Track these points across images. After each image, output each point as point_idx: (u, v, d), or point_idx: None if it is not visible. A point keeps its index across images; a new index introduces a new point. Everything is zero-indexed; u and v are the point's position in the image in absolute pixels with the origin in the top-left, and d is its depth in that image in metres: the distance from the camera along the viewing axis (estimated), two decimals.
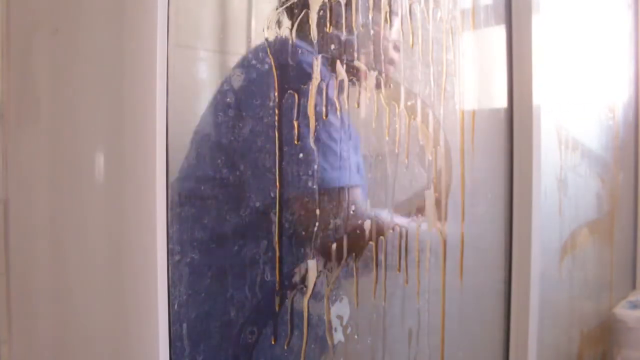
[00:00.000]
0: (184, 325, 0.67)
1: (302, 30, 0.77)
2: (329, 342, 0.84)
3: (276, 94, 0.75)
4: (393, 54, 0.92)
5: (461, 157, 1.11)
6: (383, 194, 0.94)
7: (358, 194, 0.84)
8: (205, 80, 0.74)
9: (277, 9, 0.75)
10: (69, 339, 0.60)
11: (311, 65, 0.77)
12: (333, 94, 0.81)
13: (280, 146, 0.76)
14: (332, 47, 0.82)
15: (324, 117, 0.79)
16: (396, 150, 0.94)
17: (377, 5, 0.89)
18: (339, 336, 0.86)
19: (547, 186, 1.38)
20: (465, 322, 1.15)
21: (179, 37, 0.65)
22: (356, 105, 0.86)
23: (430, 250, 1.03)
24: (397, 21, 0.93)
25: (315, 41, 0.79)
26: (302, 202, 0.77)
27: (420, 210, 1.01)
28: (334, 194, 0.81)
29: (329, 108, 0.79)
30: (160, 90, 0.58)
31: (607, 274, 1.97)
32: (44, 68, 0.61)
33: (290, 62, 0.75)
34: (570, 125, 1.59)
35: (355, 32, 0.85)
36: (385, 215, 0.90)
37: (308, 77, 0.77)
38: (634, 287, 2.20)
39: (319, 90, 0.79)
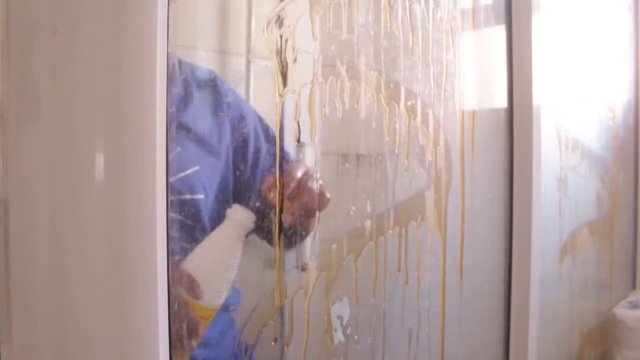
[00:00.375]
0: (184, 325, 0.67)
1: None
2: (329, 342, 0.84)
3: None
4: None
5: (461, 157, 1.12)
6: (383, 194, 0.94)
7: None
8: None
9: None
10: (69, 339, 0.60)
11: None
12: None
13: (280, 146, 0.76)
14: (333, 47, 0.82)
15: None
16: (396, 151, 0.94)
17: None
18: (338, 336, 0.86)
19: (547, 186, 1.38)
20: (465, 322, 1.15)
21: (178, 37, 0.65)
22: (356, 105, 0.86)
23: (430, 251, 1.03)
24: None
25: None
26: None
27: (420, 211, 1.01)
28: None
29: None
30: (160, 90, 0.58)
31: (607, 274, 1.97)
32: (44, 68, 0.61)
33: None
34: (571, 126, 1.59)
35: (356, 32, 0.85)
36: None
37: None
38: (634, 287, 2.20)
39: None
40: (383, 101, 0.91)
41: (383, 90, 0.91)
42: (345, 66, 0.84)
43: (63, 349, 0.61)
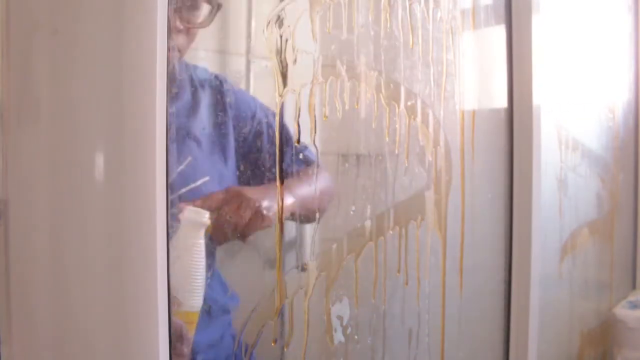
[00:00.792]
0: (184, 325, 0.67)
1: None
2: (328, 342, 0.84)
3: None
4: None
5: (461, 157, 1.11)
6: (383, 194, 0.94)
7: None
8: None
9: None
10: (69, 339, 0.60)
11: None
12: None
13: (280, 146, 0.76)
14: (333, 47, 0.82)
15: None
16: (396, 151, 0.94)
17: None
18: (338, 336, 0.86)
19: (547, 186, 1.38)
20: (465, 322, 1.15)
21: None
22: (356, 105, 0.86)
23: (430, 251, 1.03)
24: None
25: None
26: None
27: (420, 211, 1.01)
28: None
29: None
30: (160, 90, 0.58)
31: (607, 274, 1.97)
32: (44, 68, 0.61)
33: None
34: (571, 126, 1.59)
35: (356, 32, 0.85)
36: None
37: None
38: (634, 287, 2.20)
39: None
40: (383, 101, 0.91)
41: (383, 90, 0.91)
42: (345, 66, 0.84)
43: (63, 349, 0.61)
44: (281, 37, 0.74)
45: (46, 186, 0.60)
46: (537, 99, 1.23)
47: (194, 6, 0.71)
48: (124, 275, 0.58)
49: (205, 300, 0.70)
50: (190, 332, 0.69)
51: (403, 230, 0.96)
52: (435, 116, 1.03)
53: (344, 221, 0.87)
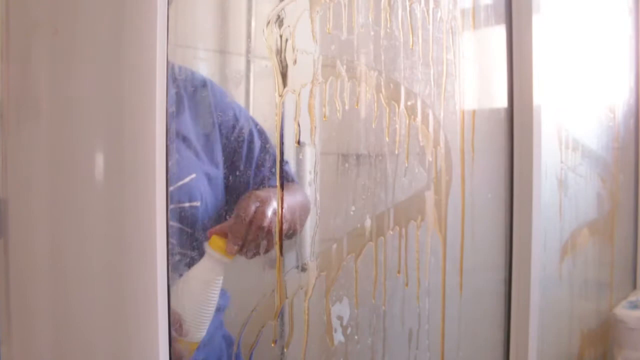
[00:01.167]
0: (184, 325, 0.67)
1: None
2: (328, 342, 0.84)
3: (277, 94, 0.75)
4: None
5: (461, 157, 1.11)
6: (383, 194, 0.94)
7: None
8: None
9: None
10: (69, 339, 0.60)
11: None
12: None
13: (280, 147, 0.76)
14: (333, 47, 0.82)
15: None
16: (396, 151, 0.94)
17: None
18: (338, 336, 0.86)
19: (547, 186, 1.38)
20: (465, 322, 1.15)
21: (178, 37, 0.65)
22: (356, 105, 0.86)
23: (430, 251, 1.03)
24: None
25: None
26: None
27: (420, 211, 1.01)
28: None
29: None
30: (160, 91, 0.58)
31: (607, 274, 1.97)
32: (43, 68, 0.61)
33: None
34: (571, 126, 1.59)
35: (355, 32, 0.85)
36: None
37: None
38: (634, 287, 2.20)
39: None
40: (383, 101, 0.91)
41: (383, 90, 0.91)
42: (345, 66, 0.84)
43: (63, 349, 0.61)
44: (281, 37, 0.74)
45: (46, 186, 0.60)
46: (537, 99, 1.23)
47: None
48: (123, 274, 0.58)
49: None
50: (187, 358, 0.69)
51: (403, 231, 0.96)
52: (435, 116, 1.03)
53: (344, 221, 0.87)
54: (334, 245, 0.85)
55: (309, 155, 0.80)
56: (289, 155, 0.77)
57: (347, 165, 0.88)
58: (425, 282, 1.02)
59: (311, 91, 0.78)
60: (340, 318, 0.86)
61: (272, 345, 0.76)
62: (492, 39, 1.24)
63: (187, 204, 0.70)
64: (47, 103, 0.61)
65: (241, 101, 0.79)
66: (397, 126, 0.94)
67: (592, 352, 1.82)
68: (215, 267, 0.71)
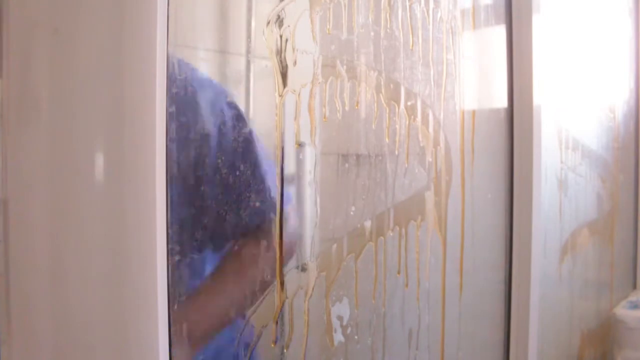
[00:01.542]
0: (184, 325, 0.67)
1: None
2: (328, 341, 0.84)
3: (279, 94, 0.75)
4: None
5: (461, 158, 1.11)
6: (383, 194, 0.94)
7: None
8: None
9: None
10: (69, 339, 0.60)
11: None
12: None
13: (281, 147, 0.76)
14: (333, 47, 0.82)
15: None
16: (396, 151, 0.94)
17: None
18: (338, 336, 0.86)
19: (547, 186, 1.38)
20: (465, 322, 1.15)
21: (178, 37, 0.65)
22: (356, 106, 0.86)
23: (430, 251, 1.03)
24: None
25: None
26: None
27: (420, 211, 1.01)
28: None
29: None
30: (160, 90, 0.58)
31: (607, 274, 1.97)
32: (43, 68, 0.61)
33: None
34: (571, 126, 1.59)
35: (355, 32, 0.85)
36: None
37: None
38: (634, 287, 2.20)
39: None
40: (383, 101, 0.91)
41: (383, 91, 0.91)
42: (345, 66, 0.84)
43: (63, 349, 0.61)
44: (281, 37, 0.74)
45: (46, 186, 0.60)
46: (537, 99, 1.23)
47: None
48: (124, 274, 0.58)
49: None
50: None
51: (403, 231, 0.96)
52: (435, 116, 1.03)
53: (344, 221, 0.87)
54: (334, 245, 0.85)
55: (309, 155, 0.80)
56: (289, 155, 0.77)
57: (347, 165, 0.88)
58: (425, 282, 1.02)
59: (311, 91, 0.78)
60: (340, 318, 0.86)
61: (272, 345, 0.76)
62: (492, 39, 1.24)
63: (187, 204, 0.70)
64: (47, 103, 0.61)
65: (241, 101, 0.79)
66: (397, 126, 0.94)
67: (592, 352, 1.82)
68: None
